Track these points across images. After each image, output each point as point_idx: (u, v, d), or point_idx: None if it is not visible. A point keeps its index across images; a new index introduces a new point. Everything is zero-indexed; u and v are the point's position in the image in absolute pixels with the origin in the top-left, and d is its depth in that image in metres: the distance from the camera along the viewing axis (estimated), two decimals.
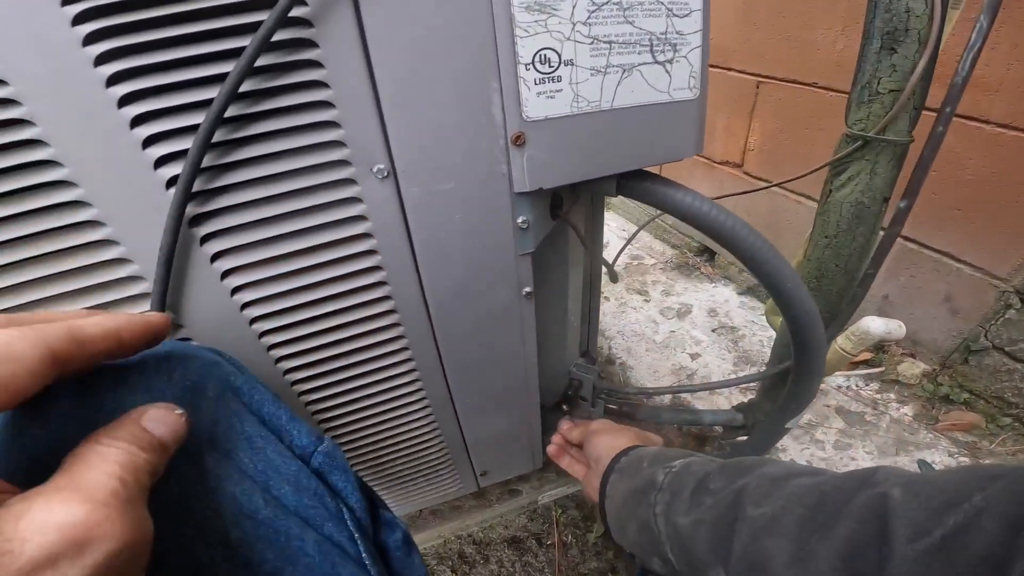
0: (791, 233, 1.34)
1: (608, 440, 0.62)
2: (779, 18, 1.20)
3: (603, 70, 0.40)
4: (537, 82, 0.39)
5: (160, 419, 0.24)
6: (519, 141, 0.41)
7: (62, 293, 0.37)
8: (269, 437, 0.32)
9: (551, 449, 0.75)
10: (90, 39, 0.29)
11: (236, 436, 0.31)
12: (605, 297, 1.53)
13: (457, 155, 0.40)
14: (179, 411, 0.25)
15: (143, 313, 0.27)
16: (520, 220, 0.46)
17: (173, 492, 0.27)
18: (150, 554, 0.21)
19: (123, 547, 0.19)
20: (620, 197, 0.54)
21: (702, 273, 1.62)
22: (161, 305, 0.38)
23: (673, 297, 1.52)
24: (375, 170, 0.38)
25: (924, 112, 0.58)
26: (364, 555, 0.32)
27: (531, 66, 0.38)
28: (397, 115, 0.37)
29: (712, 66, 1.46)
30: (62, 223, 0.34)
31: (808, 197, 1.28)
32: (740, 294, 1.50)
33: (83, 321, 0.23)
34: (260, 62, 0.32)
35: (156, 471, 0.23)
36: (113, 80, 0.31)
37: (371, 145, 0.37)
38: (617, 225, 1.95)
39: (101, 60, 0.30)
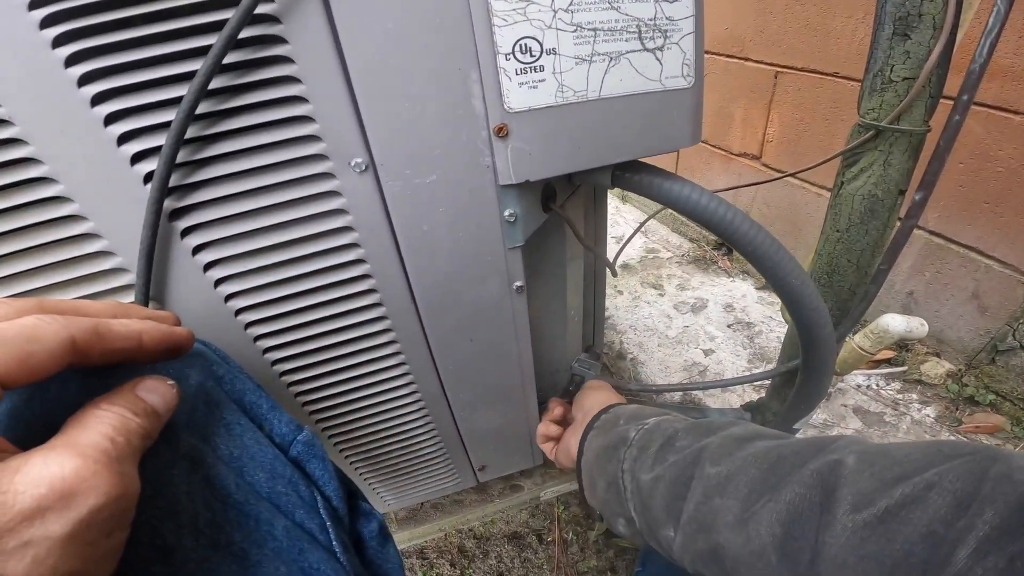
0: (811, 227, 1.31)
1: (596, 397, 0.62)
2: (797, 6, 1.17)
3: (588, 59, 0.40)
4: (519, 72, 0.38)
5: (153, 389, 0.26)
6: (502, 133, 0.41)
7: (50, 284, 0.38)
8: (248, 425, 0.33)
9: (538, 437, 0.72)
10: (59, 41, 0.30)
11: (214, 423, 0.32)
12: (619, 291, 1.52)
13: (438, 148, 0.40)
14: (171, 383, 0.27)
15: (171, 327, 0.30)
16: (507, 213, 0.46)
17: (147, 472, 0.28)
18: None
19: (108, 501, 0.20)
20: None
21: (719, 267, 1.59)
22: (145, 296, 0.39)
23: (688, 291, 1.50)
24: (353, 164, 0.39)
25: (942, 101, 0.56)
26: (335, 543, 0.33)
27: (511, 56, 0.37)
28: (373, 109, 0.37)
29: (728, 56, 1.44)
30: (45, 218, 0.35)
31: (829, 190, 1.25)
32: (759, 289, 1.47)
33: (112, 320, 0.26)
34: (229, 59, 0.32)
35: (148, 435, 0.25)
36: (84, 80, 0.31)
37: (348, 139, 0.38)
38: (633, 218, 1.93)
39: (71, 61, 0.31)
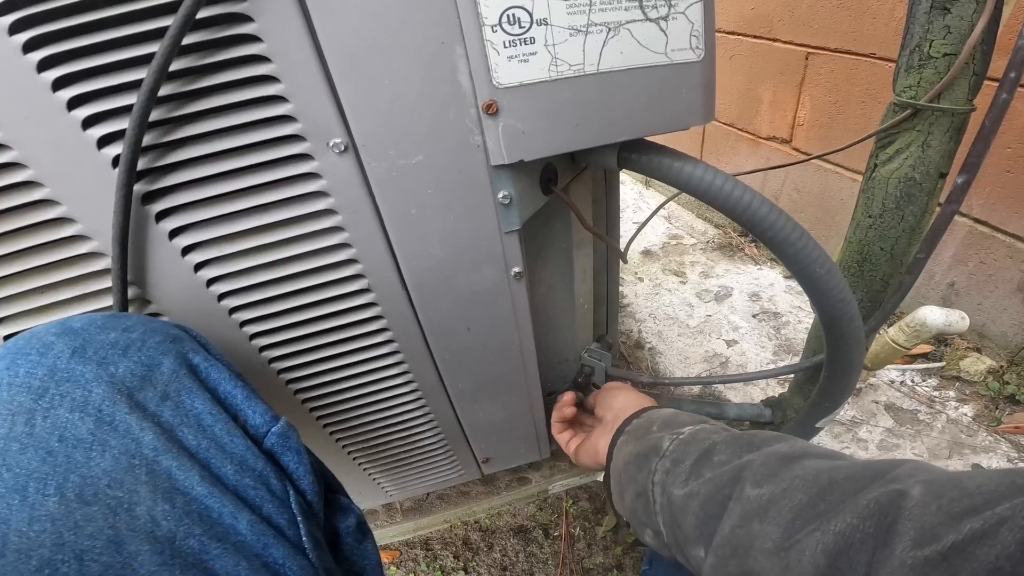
0: (845, 214, 1.26)
1: (627, 398, 0.60)
2: None
3: (584, 29, 0.37)
4: (507, 45, 0.36)
5: None
6: (491, 110, 0.39)
7: (27, 269, 0.38)
8: (220, 415, 0.33)
9: (554, 427, 0.71)
10: (15, 28, 0.30)
11: (184, 412, 0.32)
12: (638, 278, 1.50)
13: (422, 127, 0.39)
14: None
15: None
16: (501, 195, 0.45)
17: (106, 463, 0.28)
18: None
19: None
20: None
21: (746, 255, 1.55)
22: (123, 281, 0.39)
23: (712, 279, 1.46)
24: (331, 144, 0.37)
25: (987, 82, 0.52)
26: (304, 539, 0.33)
27: (498, 27, 0.36)
28: (350, 87, 0.36)
29: (755, 37, 1.40)
30: (17, 203, 0.36)
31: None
32: (787, 278, 1.42)
33: None
34: (192, 39, 0.32)
35: None
36: (44, 65, 0.31)
37: (324, 119, 0.37)
38: (656, 203, 1.89)
39: (29, 47, 0.31)
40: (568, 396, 0.69)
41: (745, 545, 0.34)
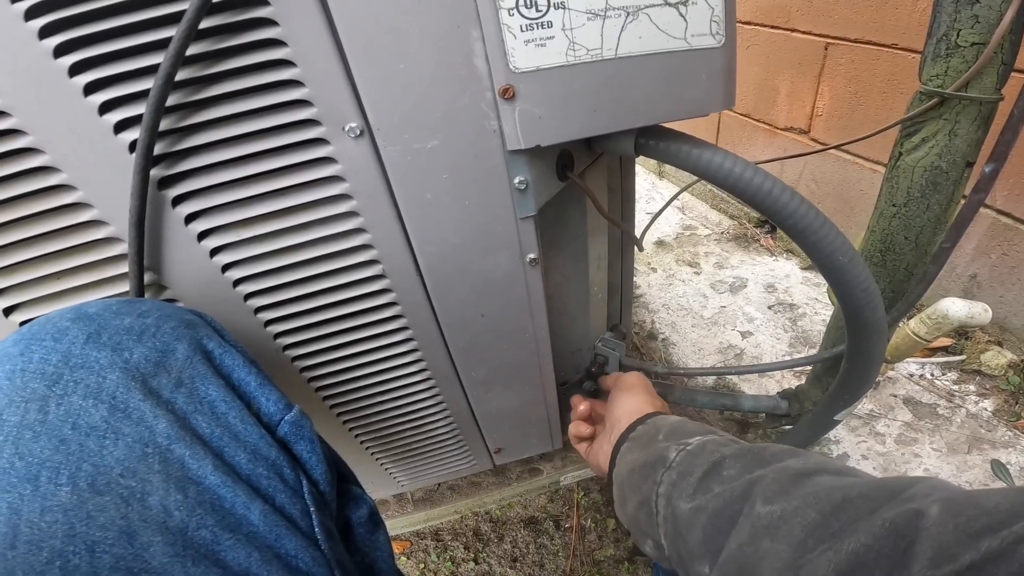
0: (865, 204, 1.25)
1: (630, 403, 0.59)
2: None
3: (602, 14, 0.37)
4: (524, 29, 0.36)
5: None
6: (508, 95, 0.39)
7: (45, 254, 0.39)
8: (234, 403, 0.33)
9: (571, 438, 0.69)
10: (31, 14, 0.30)
11: (198, 400, 0.32)
12: (652, 268, 1.49)
13: (438, 111, 0.39)
14: None
15: None
16: (517, 181, 0.45)
17: (119, 452, 0.28)
18: None
19: None
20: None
21: (761, 246, 1.53)
22: (139, 266, 0.39)
23: (727, 270, 1.45)
24: (347, 129, 0.38)
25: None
26: (317, 530, 0.33)
27: (515, 11, 0.35)
28: (366, 71, 0.36)
29: (772, 27, 1.40)
30: (34, 188, 0.36)
31: (886, 165, 1.20)
32: (804, 269, 1.41)
33: None
34: (208, 23, 0.32)
35: None
36: (60, 51, 0.32)
37: (340, 103, 0.37)
38: (670, 194, 1.88)
39: (45, 33, 0.31)
40: (582, 408, 0.66)
41: (753, 563, 0.34)
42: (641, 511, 0.46)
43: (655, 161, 1.08)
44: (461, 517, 0.90)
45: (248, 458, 0.32)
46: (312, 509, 0.33)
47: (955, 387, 1.03)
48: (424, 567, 0.85)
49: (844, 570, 0.29)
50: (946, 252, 0.66)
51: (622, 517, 0.51)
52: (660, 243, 1.61)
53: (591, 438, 0.65)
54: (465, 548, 0.85)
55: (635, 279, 1.42)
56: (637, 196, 0.76)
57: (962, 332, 1.10)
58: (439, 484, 0.92)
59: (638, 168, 2.04)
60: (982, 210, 1.02)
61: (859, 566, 0.29)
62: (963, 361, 1.07)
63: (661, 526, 0.43)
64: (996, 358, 1.03)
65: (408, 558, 0.87)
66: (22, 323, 0.41)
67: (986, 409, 0.98)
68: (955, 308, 0.83)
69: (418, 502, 0.91)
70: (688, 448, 0.46)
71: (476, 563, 0.85)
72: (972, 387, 1.03)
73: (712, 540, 0.38)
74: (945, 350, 1.11)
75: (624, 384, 0.63)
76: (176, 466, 0.29)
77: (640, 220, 1.06)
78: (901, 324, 0.87)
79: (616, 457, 0.54)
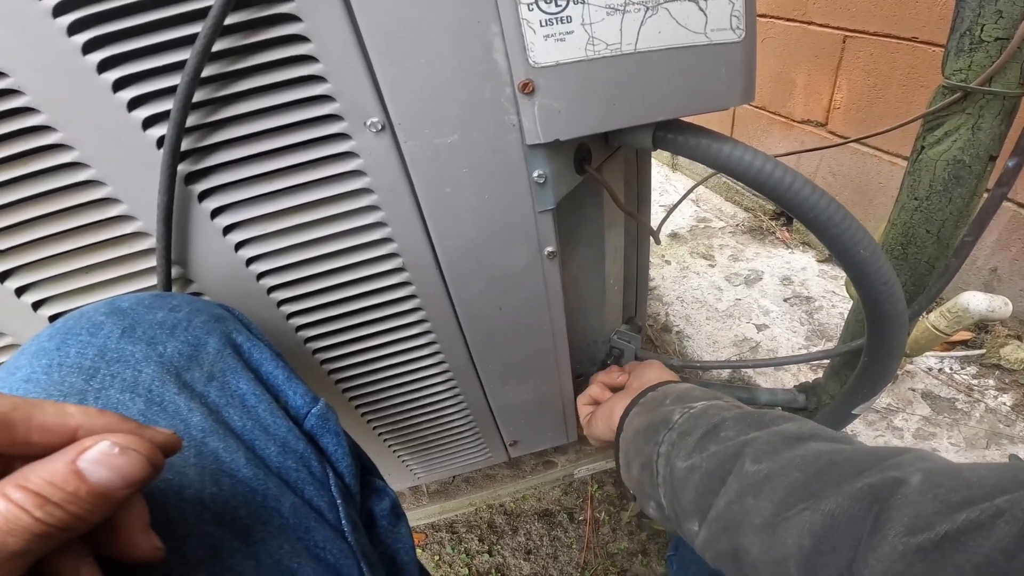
0: (883, 198, 1.25)
1: (652, 373, 0.60)
2: None
3: (621, 8, 0.37)
4: (543, 24, 0.37)
5: (102, 461, 0.18)
6: (527, 89, 0.39)
7: (72, 249, 0.40)
8: (263, 396, 0.34)
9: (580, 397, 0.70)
10: (59, 11, 0.31)
11: (229, 393, 0.32)
12: (666, 260, 1.49)
13: (457, 106, 0.39)
14: (138, 448, 0.19)
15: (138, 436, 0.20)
16: (536, 174, 0.45)
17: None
18: None
19: None
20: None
21: (777, 238, 1.53)
22: (167, 260, 0.40)
23: (742, 263, 1.45)
24: (369, 124, 0.38)
25: None
26: (344, 522, 0.33)
27: (534, 6, 0.36)
28: (387, 66, 0.36)
29: (788, 20, 1.39)
30: (63, 183, 0.37)
31: (905, 158, 1.19)
32: (820, 262, 1.40)
33: (39, 409, 0.19)
34: (233, 19, 0.32)
35: (72, 528, 0.18)
36: (88, 48, 0.32)
37: (362, 98, 0.37)
38: (684, 187, 1.87)
39: (73, 30, 0.32)
40: (621, 380, 0.66)
41: (737, 520, 0.35)
42: (644, 472, 0.47)
43: (668, 154, 1.08)
44: (476, 509, 0.91)
45: (278, 451, 0.32)
46: (339, 501, 0.33)
47: (974, 381, 1.03)
48: (439, 559, 0.87)
49: (817, 531, 0.30)
50: (968, 246, 0.66)
51: (627, 481, 0.52)
52: (674, 235, 1.61)
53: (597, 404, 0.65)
54: (479, 540, 0.87)
55: (649, 271, 1.42)
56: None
57: (982, 326, 1.09)
58: (454, 477, 0.93)
59: (652, 161, 2.03)
60: (1003, 204, 1.01)
61: (833, 528, 0.29)
62: (983, 355, 1.06)
63: (661, 486, 0.44)
64: (1016, 352, 1.02)
65: (423, 550, 0.88)
66: (50, 317, 0.42)
67: (1005, 404, 0.97)
68: (976, 302, 0.83)
69: (433, 494, 0.92)
70: (692, 411, 0.46)
71: (490, 555, 0.86)
72: (991, 381, 1.02)
73: (703, 498, 0.38)
74: (965, 344, 1.10)
75: (648, 363, 0.64)
76: (210, 459, 0.29)
77: (654, 212, 1.06)
78: (921, 318, 0.86)
79: (624, 422, 0.55)
